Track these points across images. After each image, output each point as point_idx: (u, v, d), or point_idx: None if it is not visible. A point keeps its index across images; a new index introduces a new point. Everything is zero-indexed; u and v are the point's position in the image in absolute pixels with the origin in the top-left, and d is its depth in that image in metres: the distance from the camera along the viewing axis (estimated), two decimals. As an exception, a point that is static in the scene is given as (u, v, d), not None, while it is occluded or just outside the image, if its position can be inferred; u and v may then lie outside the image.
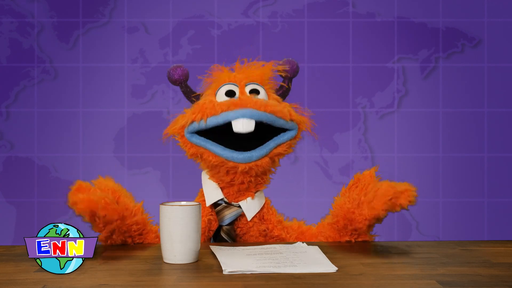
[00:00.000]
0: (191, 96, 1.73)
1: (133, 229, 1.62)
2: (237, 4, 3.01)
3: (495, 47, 2.99)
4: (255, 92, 1.67)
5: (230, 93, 1.66)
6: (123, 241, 1.63)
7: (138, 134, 2.99)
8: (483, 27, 2.99)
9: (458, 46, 3.00)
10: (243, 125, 1.60)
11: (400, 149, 3.00)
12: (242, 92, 1.67)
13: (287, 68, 1.74)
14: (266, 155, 1.64)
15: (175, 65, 1.73)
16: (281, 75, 1.75)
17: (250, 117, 1.60)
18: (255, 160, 1.63)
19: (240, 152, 1.62)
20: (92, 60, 2.99)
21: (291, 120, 1.67)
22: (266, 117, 1.62)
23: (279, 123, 1.65)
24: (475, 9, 2.98)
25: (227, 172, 1.66)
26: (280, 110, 1.64)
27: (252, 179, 1.67)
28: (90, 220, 1.57)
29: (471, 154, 2.99)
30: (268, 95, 1.70)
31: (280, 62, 1.75)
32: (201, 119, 1.62)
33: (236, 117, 1.60)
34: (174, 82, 1.72)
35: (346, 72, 3.00)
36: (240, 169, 1.63)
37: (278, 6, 3.01)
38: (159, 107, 2.99)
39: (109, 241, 1.62)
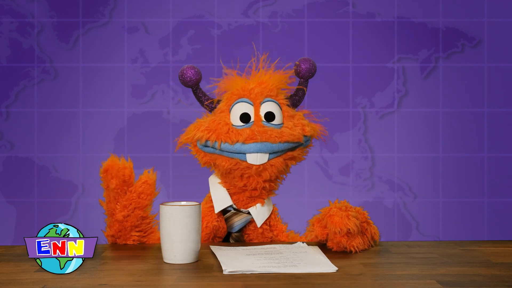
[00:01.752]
0: (204, 103, 1.70)
1: (145, 222, 1.64)
2: (237, 4, 3.01)
3: (495, 47, 2.99)
4: (270, 117, 1.65)
5: (244, 117, 1.64)
6: (137, 236, 1.63)
7: (138, 134, 2.99)
8: (483, 27, 2.99)
9: (458, 46, 3.00)
10: (257, 159, 1.61)
11: (400, 149, 3.00)
12: (257, 114, 1.64)
13: (303, 70, 1.70)
14: (280, 156, 1.64)
15: (187, 65, 1.69)
16: (298, 77, 1.71)
17: (265, 151, 1.62)
18: (270, 160, 1.63)
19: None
20: (92, 60, 2.99)
21: (305, 135, 1.67)
22: (281, 148, 1.63)
23: (293, 146, 1.66)
24: (475, 9, 2.98)
25: (241, 176, 1.65)
26: (295, 136, 1.64)
27: (267, 185, 1.66)
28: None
29: (471, 154, 2.99)
30: (283, 113, 1.67)
31: (297, 62, 1.71)
32: (215, 141, 1.63)
33: (251, 151, 1.61)
34: (185, 84, 1.69)
35: (346, 72, 3.00)
36: (254, 168, 1.62)
37: (278, 6, 3.01)
38: (159, 107, 2.99)
39: (121, 238, 1.63)
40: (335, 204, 1.58)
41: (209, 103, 1.70)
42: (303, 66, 1.70)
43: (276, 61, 1.71)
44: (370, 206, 2.83)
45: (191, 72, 1.68)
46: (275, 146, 1.62)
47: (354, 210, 1.57)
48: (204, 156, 1.67)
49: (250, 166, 1.62)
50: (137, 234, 1.63)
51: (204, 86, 1.74)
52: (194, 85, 1.69)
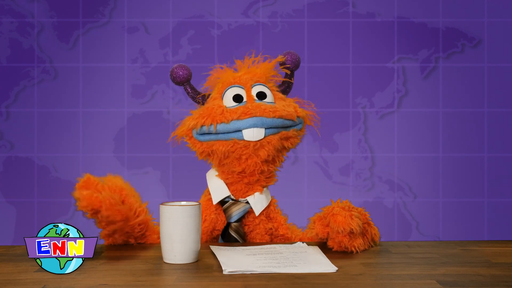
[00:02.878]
0: (196, 96, 1.73)
1: (136, 230, 1.62)
2: (237, 4, 3.01)
3: (495, 47, 2.99)
4: (262, 95, 1.68)
5: (237, 98, 1.67)
6: (124, 241, 1.63)
7: (138, 134, 2.99)
8: (483, 27, 2.99)
9: (458, 46, 3.00)
10: (253, 134, 1.62)
11: (400, 149, 3.00)
12: (249, 95, 1.67)
13: (289, 61, 1.76)
14: (276, 134, 1.66)
15: (177, 64, 1.73)
16: (284, 70, 1.76)
17: (261, 126, 1.62)
18: (266, 136, 1.63)
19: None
20: (92, 60, 2.99)
21: (298, 117, 1.69)
22: (276, 123, 1.64)
23: (288, 124, 1.67)
24: (475, 9, 2.98)
25: (239, 159, 1.65)
26: (288, 113, 1.66)
27: (265, 168, 1.67)
28: (92, 217, 1.57)
29: (471, 154, 2.99)
30: (274, 96, 1.71)
31: (281, 55, 1.76)
32: (211, 124, 1.64)
33: (247, 127, 1.62)
34: (176, 82, 1.72)
35: (346, 72, 3.00)
36: (251, 145, 1.63)
37: (278, 6, 3.01)
38: (159, 107, 2.99)
39: (110, 239, 1.62)
40: (337, 204, 1.58)
41: (200, 97, 1.72)
42: (288, 58, 1.76)
43: (259, 55, 1.75)
44: (370, 206, 2.83)
45: (181, 71, 1.72)
46: (270, 121, 1.64)
47: (356, 211, 1.57)
48: (201, 145, 1.67)
49: (248, 144, 1.63)
50: (130, 240, 1.64)
51: (198, 84, 1.76)
52: (184, 83, 1.72)
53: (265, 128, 1.63)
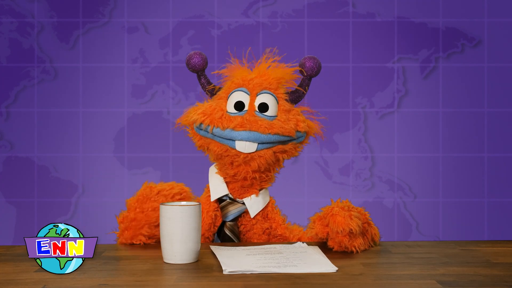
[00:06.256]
0: (206, 88, 1.74)
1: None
2: (237, 4, 3.01)
3: (495, 47, 2.99)
4: (264, 107, 1.67)
5: (239, 105, 1.67)
6: (146, 232, 1.65)
7: (138, 134, 2.99)
8: (483, 27, 2.99)
9: (458, 46, 3.00)
10: (245, 147, 1.64)
11: (400, 149, 3.00)
12: (251, 104, 1.66)
13: (307, 67, 1.71)
14: (269, 148, 1.66)
15: (194, 51, 1.74)
16: (302, 74, 1.72)
17: (254, 141, 1.64)
18: (258, 150, 1.64)
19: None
20: (92, 60, 2.99)
21: (298, 131, 1.68)
22: (271, 140, 1.65)
23: (285, 140, 1.67)
24: (475, 9, 2.98)
25: (232, 164, 1.67)
26: (286, 130, 1.65)
27: (257, 176, 1.68)
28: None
29: (471, 154, 2.99)
30: (278, 107, 1.68)
31: (302, 60, 1.72)
32: (208, 125, 1.66)
33: (240, 138, 1.63)
34: (192, 68, 1.73)
35: (346, 72, 3.00)
36: (241, 157, 1.64)
37: (278, 6, 3.01)
38: (159, 107, 2.99)
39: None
40: (337, 204, 1.58)
41: (210, 89, 1.74)
42: (307, 64, 1.72)
43: (281, 57, 1.73)
44: (370, 206, 2.82)
45: (198, 59, 1.73)
46: (264, 137, 1.64)
47: (356, 210, 1.57)
48: (200, 139, 1.70)
49: (239, 153, 1.65)
50: (146, 234, 1.63)
51: (208, 73, 1.76)
52: (199, 71, 1.74)
53: (258, 143, 1.64)
